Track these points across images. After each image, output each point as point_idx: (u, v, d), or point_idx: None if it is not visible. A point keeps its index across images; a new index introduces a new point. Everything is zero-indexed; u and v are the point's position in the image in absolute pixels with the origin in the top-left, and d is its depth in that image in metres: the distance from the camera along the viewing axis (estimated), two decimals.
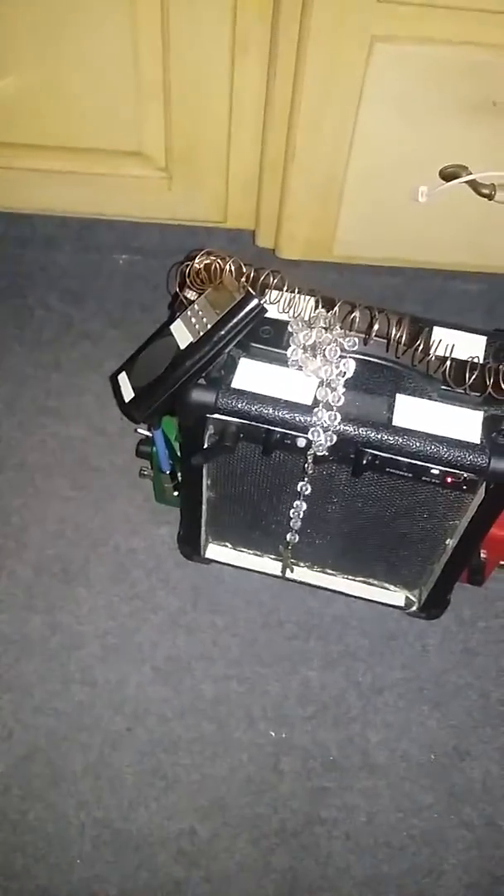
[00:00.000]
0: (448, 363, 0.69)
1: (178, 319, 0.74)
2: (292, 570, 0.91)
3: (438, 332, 0.74)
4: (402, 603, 0.93)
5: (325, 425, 0.70)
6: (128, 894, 0.79)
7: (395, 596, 0.93)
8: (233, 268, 0.71)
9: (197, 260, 0.73)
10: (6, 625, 0.92)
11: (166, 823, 0.83)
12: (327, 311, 0.71)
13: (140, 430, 0.89)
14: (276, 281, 0.72)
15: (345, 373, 0.70)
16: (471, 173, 0.92)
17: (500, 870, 0.82)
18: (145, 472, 0.96)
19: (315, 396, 0.70)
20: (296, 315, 0.71)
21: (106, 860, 0.80)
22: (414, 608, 0.92)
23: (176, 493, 0.94)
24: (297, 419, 0.70)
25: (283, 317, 0.72)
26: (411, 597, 0.92)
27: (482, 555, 0.86)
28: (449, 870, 0.82)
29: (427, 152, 0.93)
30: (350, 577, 0.93)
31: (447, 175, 0.93)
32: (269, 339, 0.73)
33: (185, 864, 0.81)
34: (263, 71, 0.92)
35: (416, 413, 0.70)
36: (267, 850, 0.82)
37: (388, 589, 0.93)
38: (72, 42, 0.92)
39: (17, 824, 0.82)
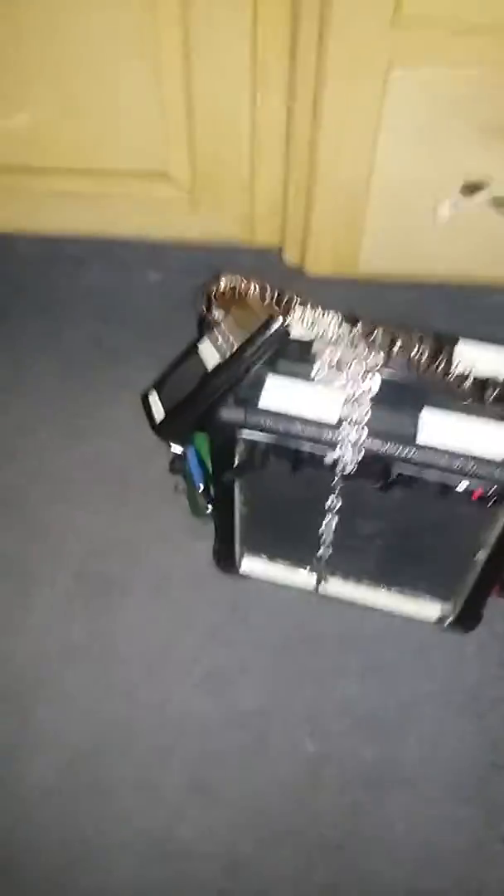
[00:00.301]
0: (470, 379, 0.70)
1: (206, 339, 0.76)
2: (327, 582, 0.92)
3: (462, 347, 0.74)
4: (436, 615, 0.93)
5: (353, 441, 0.70)
6: None
7: (430, 608, 0.93)
8: (257, 289, 0.73)
9: (223, 281, 0.75)
10: (49, 636, 0.94)
11: (209, 837, 0.83)
12: (351, 330, 0.72)
13: (173, 448, 0.90)
14: (298, 301, 0.73)
15: (370, 389, 0.71)
16: (491, 188, 0.92)
17: None
18: (180, 488, 0.97)
19: (341, 413, 0.71)
20: (320, 334, 0.72)
21: (150, 873, 0.82)
22: (448, 621, 0.92)
23: (210, 509, 0.95)
24: (325, 435, 0.71)
25: (308, 336, 0.73)
26: (445, 609, 0.92)
27: None
28: (489, 884, 0.82)
29: (448, 172, 0.94)
30: (384, 588, 0.93)
31: (468, 191, 0.94)
32: (296, 357, 0.74)
33: (229, 878, 0.81)
34: (283, 97, 0.93)
35: (441, 428, 0.71)
36: (308, 865, 0.82)
37: (422, 601, 0.93)
38: (97, 75, 0.94)
39: (63, 837, 0.83)
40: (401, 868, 0.82)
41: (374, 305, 1.19)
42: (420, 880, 0.82)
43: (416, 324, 0.77)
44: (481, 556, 0.81)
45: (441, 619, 0.92)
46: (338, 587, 0.93)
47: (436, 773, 0.87)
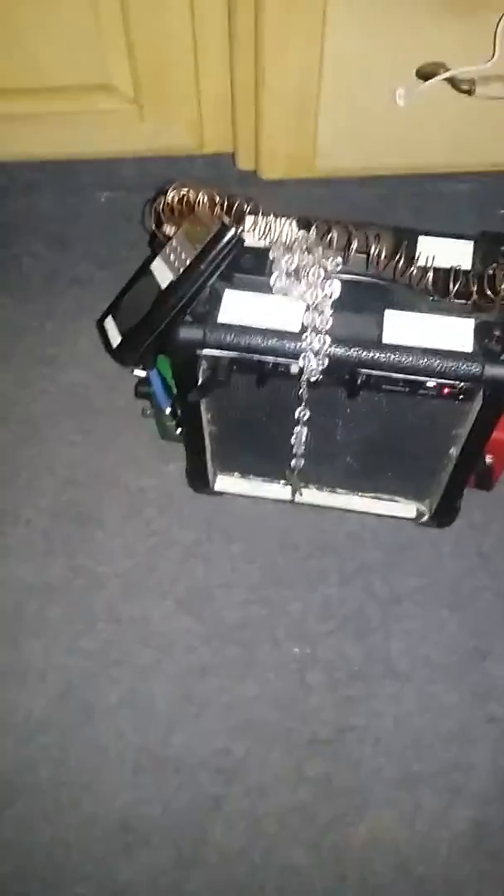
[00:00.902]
0: (431, 273, 0.68)
1: (158, 257, 0.73)
2: (301, 494, 0.92)
3: (423, 242, 0.73)
4: (413, 514, 0.94)
5: (316, 349, 0.69)
6: (171, 814, 0.83)
7: (406, 508, 0.94)
8: (206, 199, 0.70)
9: (169, 194, 0.72)
10: (28, 573, 0.95)
11: (201, 745, 0.86)
12: (306, 233, 0.70)
13: (136, 372, 0.89)
14: (251, 207, 0.71)
15: (331, 294, 0.69)
16: (448, 70, 0.88)
17: None
18: (147, 412, 0.96)
19: (303, 321, 0.70)
20: (275, 240, 0.70)
21: (147, 784, 0.85)
22: (425, 518, 0.94)
23: (179, 430, 0.95)
24: (287, 346, 0.70)
25: (263, 244, 0.71)
26: (422, 507, 0.94)
27: (488, 459, 0.87)
28: (478, 763, 0.86)
29: (401, 54, 0.90)
30: (360, 493, 0.94)
31: (425, 74, 0.90)
32: (252, 267, 0.72)
33: (222, 782, 0.85)
34: None
35: (405, 327, 0.70)
36: (300, 761, 0.86)
37: (398, 502, 0.94)
38: None
39: (61, 761, 0.86)
40: (391, 755, 0.86)
41: (336, 205, 1.16)
42: (411, 765, 0.85)
43: (383, 220, 0.75)
44: (454, 451, 0.81)
45: (418, 517, 0.94)
46: (313, 496, 0.94)
47: (421, 663, 0.90)
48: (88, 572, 0.95)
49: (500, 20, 0.84)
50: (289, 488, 0.92)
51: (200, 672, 0.89)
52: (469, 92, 0.89)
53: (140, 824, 0.83)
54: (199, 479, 0.95)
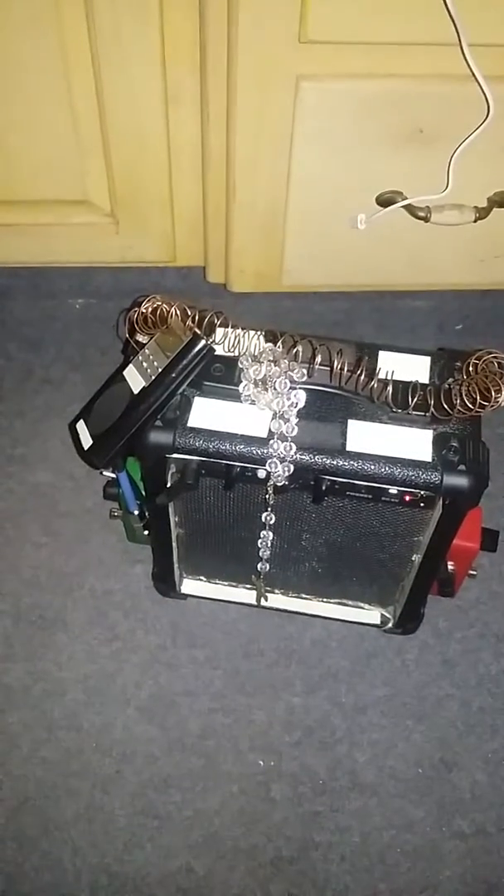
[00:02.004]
0: (391, 387, 0.72)
1: (131, 364, 0.76)
2: (267, 599, 0.92)
3: (383, 357, 0.76)
4: (377, 621, 0.94)
5: (282, 456, 0.71)
6: None
7: (371, 614, 0.94)
8: (178, 311, 0.73)
9: (143, 306, 0.75)
10: None
11: (162, 862, 0.83)
12: (273, 346, 0.73)
13: (105, 473, 0.90)
14: (221, 320, 0.74)
15: (296, 403, 0.72)
16: (405, 198, 0.94)
17: (494, 877, 0.83)
18: (115, 514, 0.97)
19: (269, 429, 0.72)
20: (243, 351, 0.73)
21: None
22: (390, 625, 0.94)
23: (146, 532, 0.95)
24: (254, 452, 0.72)
25: (232, 354, 0.74)
26: (386, 614, 0.94)
27: (450, 567, 0.88)
28: (445, 882, 0.83)
29: (362, 181, 0.96)
30: (325, 599, 0.94)
31: (383, 201, 0.96)
32: (221, 376, 0.74)
33: None
34: (197, 118, 0.94)
35: (368, 437, 0.72)
36: (264, 880, 0.82)
37: (363, 608, 0.94)
38: (5, 105, 0.94)
39: (14, 876, 0.82)
40: (357, 874, 0.83)
41: (301, 317, 1.21)
42: (378, 884, 0.83)
43: (345, 332, 0.79)
44: (416, 558, 0.82)
45: (383, 623, 0.94)
46: (279, 600, 0.94)
47: (387, 776, 0.88)
48: (50, 677, 0.93)
49: (453, 153, 0.91)
50: (254, 593, 0.92)
51: (162, 784, 0.87)
52: (425, 219, 0.95)
53: None
54: (165, 582, 0.95)
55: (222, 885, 0.82)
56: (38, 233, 1.09)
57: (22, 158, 1.00)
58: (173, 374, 0.71)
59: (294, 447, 0.71)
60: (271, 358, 0.72)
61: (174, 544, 0.88)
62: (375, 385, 0.71)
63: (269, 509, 0.78)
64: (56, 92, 0.93)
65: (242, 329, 0.74)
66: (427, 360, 0.77)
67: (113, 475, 0.88)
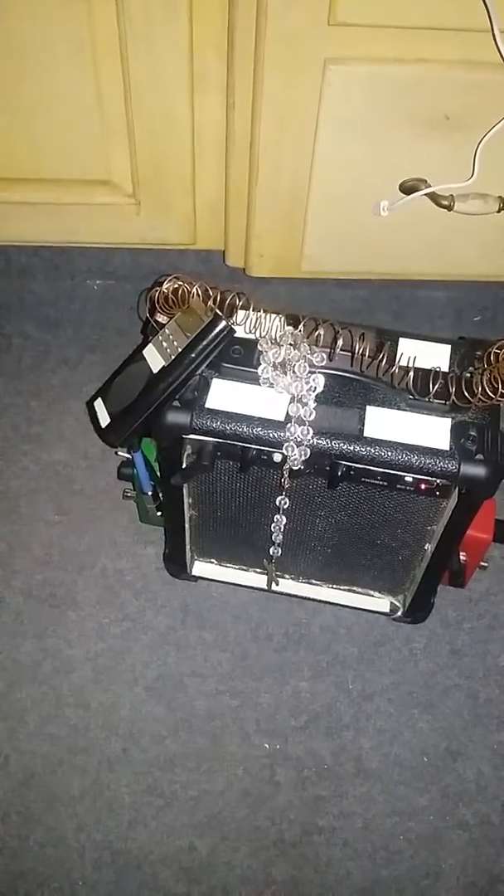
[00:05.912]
0: (412, 374, 0.71)
1: (150, 344, 0.76)
2: (278, 583, 0.93)
3: (404, 344, 0.76)
4: (387, 609, 0.94)
5: (299, 440, 0.71)
6: None
7: (380, 602, 0.94)
8: (199, 291, 0.73)
9: (165, 285, 0.75)
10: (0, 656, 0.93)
11: (166, 841, 0.83)
12: (294, 329, 0.73)
13: (120, 453, 0.90)
14: (242, 302, 0.74)
15: (315, 388, 0.71)
16: (429, 186, 0.94)
17: (497, 868, 0.84)
18: (128, 494, 0.97)
19: (287, 412, 0.72)
20: (264, 334, 0.73)
21: (108, 881, 0.81)
22: (399, 613, 0.94)
23: (159, 513, 0.95)
24: (271, 435, 0.72)
25: (252, 336, 0.74)
26: (396, 602, 0.94)
27: (462, 557, 0.88)
28: (447, 870, 0.83)
29: (386, 168, 0.95)
30: (335, 586, 0.94)
31: (407, 189, 0.95)
32: (240, 358, 0.74)
33: (186, 881, 0.81)
34: (222, 100, 0.94)
35: (386, 423, 0.72)
36: (267, 862, 0.83)
37: (372, 596, 0.94)
38: (33, 85, 0.94)
39: (18, 850, 0.82)
40: (360, 860, 0.83)
41: (320, 303, 1.21)
42: (379, 871, 0.83)
43: (362, 321, 0.78)
44: (429, 547, 0.82)
45: (393, 611, 0.94)
46: (289, 585, 0.94)
47: (392, 764, 0.88)
48: (59, 654, 0.93)
49: (479, 142, 0.90)
50: (265, 577, 0.92)
51: (168, 763, 0.87)
52: (448, 207, 0.94)
53: None
54: (176, 564, 0.95)
55: (225, 865, 0.82)
56: (61, 212, 1.09)
57: (47, 137, 1.00)
58: (193, 355, 0.71)
59: (311, 431, 0.71)
60: (291, 341, 0.72)
61: (187, 526, 0.88)
62: (397, 371, 0.71)
63: (284, 493, 0.78)
64: (83, 73, 0.93)
65: (263, 311, 0.73)
66: (447, 348, 0.76)
67: (128, 455, 0.88)
